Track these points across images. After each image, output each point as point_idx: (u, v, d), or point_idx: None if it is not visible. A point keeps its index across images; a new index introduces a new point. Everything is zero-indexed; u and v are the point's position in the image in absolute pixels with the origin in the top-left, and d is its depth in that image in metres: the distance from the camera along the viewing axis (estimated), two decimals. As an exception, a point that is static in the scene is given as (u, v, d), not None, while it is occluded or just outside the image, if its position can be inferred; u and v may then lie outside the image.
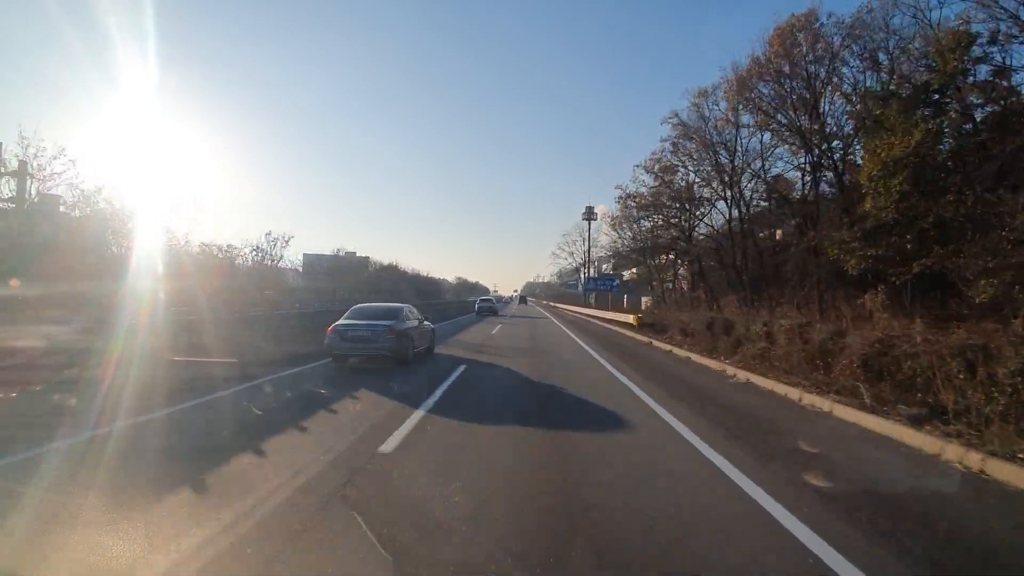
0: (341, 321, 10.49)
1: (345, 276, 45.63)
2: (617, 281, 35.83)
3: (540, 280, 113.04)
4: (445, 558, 2.85)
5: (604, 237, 47.40)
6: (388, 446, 4.95)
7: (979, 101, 14.33)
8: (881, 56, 17.53)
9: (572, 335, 20.51)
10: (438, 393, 7.76)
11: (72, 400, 6.63)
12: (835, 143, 19.36)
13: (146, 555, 2.85)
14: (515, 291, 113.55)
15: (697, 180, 26.86)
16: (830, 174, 19.74)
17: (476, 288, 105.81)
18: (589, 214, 57.40)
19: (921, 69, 15.59)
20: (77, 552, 2.95)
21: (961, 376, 5.55)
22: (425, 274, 66.21)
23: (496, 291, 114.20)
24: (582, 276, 61.82)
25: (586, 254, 58.15)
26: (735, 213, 24.21)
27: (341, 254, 53.78)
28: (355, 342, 10.02)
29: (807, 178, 21.03)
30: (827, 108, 19.70)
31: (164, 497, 3.68)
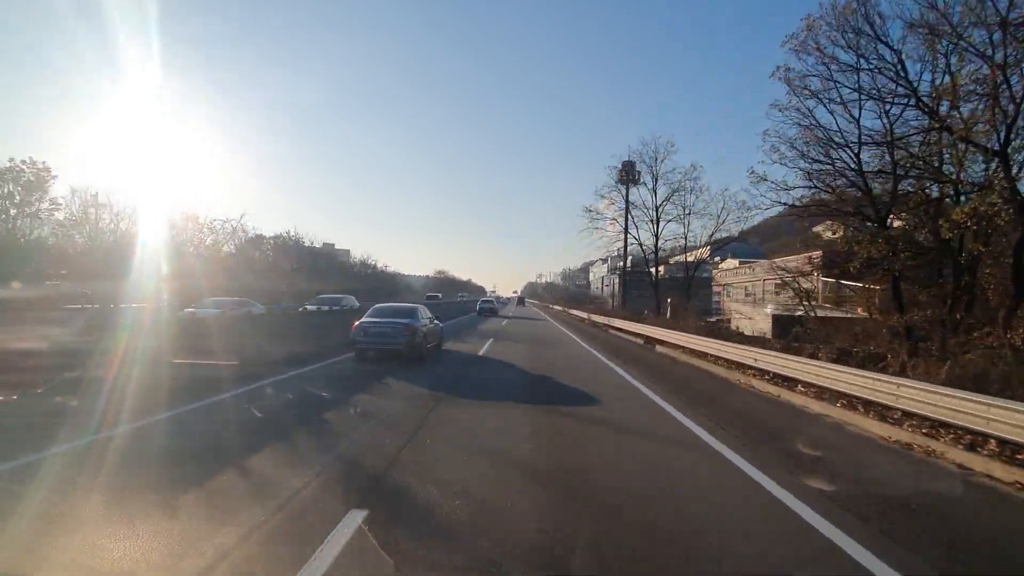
0: (364, 319, 11.54)
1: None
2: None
3: (541, 280, 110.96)
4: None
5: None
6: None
7: None
8: None
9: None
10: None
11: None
12: None
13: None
14: (515, 292, 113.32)
15: None
16: None
17: (467, 286, 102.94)
18: (628, 173, 31.61)
19: None
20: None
21: None
22: (369, 260, 52.76)
23: (494, 292, 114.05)
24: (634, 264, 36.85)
25: (627, 220, 31.83)
26: None
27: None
28: (376, 337, 11.03)
29: None
30: None
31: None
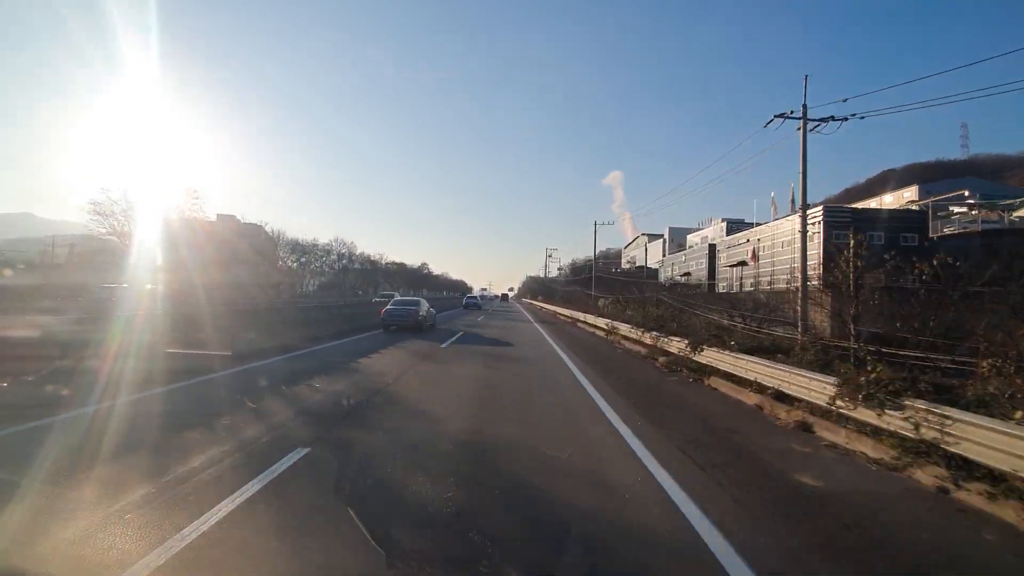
0: (388, 307, 19.46)
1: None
2: None
3: (550, 272, 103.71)
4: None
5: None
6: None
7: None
8: None
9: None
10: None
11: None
12: None
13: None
14: (510, 288, 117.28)
15: None
16: None
17: (428, 278, 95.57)
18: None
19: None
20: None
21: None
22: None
23: (484, 290, 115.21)
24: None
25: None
26: None
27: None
28: (396, 317, 18.85)
29: None
30: None
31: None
